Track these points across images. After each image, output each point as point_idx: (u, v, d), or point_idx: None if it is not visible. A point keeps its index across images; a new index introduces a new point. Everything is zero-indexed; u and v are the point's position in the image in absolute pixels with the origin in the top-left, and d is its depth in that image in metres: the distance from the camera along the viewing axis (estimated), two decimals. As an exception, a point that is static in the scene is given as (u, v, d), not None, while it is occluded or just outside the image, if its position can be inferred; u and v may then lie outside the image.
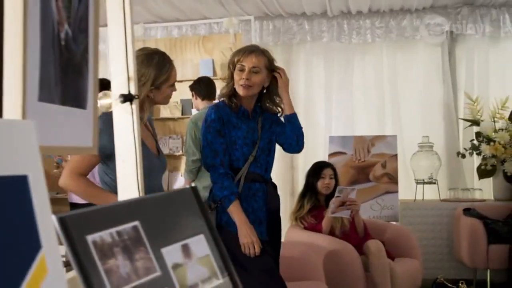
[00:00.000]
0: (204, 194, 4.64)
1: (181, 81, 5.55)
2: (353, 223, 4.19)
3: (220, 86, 5.60)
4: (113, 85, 1.94)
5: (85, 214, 1.04)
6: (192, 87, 4.89)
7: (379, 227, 4.49)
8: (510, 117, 5.69)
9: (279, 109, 2.87)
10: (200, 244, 1.27)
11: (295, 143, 2.85)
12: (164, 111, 5.77)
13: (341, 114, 6.27)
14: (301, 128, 2.87)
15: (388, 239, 4.35)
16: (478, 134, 5.71)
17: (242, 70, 2.71)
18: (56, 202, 5.51)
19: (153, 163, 2.58)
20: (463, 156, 5.81)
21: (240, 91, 2.72)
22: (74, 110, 1.44)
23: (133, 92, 1.91)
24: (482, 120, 5.71)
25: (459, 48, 6.22)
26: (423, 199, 5.67)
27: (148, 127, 2.69)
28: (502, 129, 5.59)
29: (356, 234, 4.17)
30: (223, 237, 2.73)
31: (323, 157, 5.72)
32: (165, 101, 2.66)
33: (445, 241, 5.42)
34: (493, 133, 5.57)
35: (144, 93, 2.51)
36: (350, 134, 5.99)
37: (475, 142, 5.69)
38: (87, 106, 1.53)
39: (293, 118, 2.84)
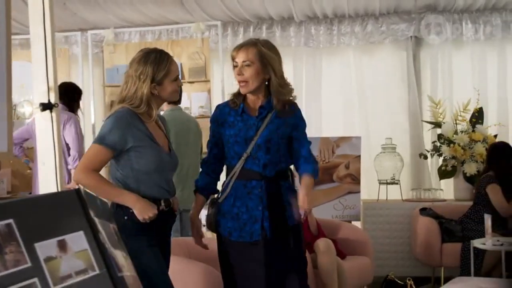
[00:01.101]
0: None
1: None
2: (307, 222, 4.34)
3: (187, 90, 5.80)
4: (34, 94, 2.11)
5: (-43, 213, 1.20)
6: None
7: (334, 226, 4.65)
8: (470, 119, 5.87)
9: (289, 106, 2.78)
10: (78, 240, 1.43)
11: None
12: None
13: (309, 116, 6.41)
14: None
15: (341, 238, 4.51)
16: (440, 136, 5.88)
17: (236, 66, 2.74)
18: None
19: (164, 160, 2.66)
20: (425, 157, 5.98)
21: (240, 89, 2.75)
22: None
23: (52, 101, 2.07)
24: (444, 123, 5.88)
25: (423, 52, 6.40)
26: (386, 199, 5.83)
27: (160, 125, 2.76)
28: (463, 131, 5.75)
29: (309, 233, 4.33)
30: (217, 237, 2.84)
31: (290, 158, 5.87)
32: (172, 96, 2.72)
33: (406, 239, 5.58)
34: (453, 135, 5.74)
35: (147, 90, 2.58)
36: (318, 136, 6.14)
37: (437, 143, 5.87)
38: None
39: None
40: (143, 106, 2.59)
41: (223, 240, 2.78)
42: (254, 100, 2.78)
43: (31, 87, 5.92)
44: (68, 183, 4.96)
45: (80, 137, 5.02)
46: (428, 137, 6.24)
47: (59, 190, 2.01)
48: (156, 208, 2.58)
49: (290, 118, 2.80)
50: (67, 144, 4.96)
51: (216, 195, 2.85)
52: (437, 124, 5.96)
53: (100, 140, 2.56)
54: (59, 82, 5.59)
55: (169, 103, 4.97)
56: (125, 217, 2.56)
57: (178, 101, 5.03)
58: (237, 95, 2.79)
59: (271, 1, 5.71)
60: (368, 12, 6.17)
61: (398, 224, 5.64)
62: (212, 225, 2.80)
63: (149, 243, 2.58)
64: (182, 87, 5.62)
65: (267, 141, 2.73)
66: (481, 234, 4.64)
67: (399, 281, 4.67)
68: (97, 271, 1.43)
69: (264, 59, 2.69)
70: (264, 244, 2.70)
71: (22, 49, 6.08)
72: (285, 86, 2.77)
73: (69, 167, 4.93)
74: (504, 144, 5.19)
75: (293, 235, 2.76)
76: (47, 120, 1.98)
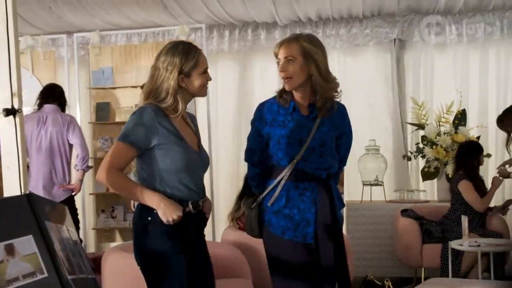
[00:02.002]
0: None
1: (135, 87, 5.74)
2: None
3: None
4: (-4, 100, 2.13)
5: None
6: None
7: (314, 228, 4.68)
8: (453, 121, 5.92)
9: (333, 104, 2.69)
10: (27, 244, 1.47)
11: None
12: (119, 116, 5.97)
13: (294, 117, 6.47)
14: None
15: (320, 239, 4.54)
16: (423, 138, 5.93)
17: (278, 63, 2.67)
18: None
19: (191, 158, 2.53)
20: (409, 158, 6.04)
21: (285, 85, 2.65)
22: None
23: (16, 106, 2.11)
24: (427, 124, 5.93)
25: (406, 55, 6.45)
26: (370, 200, 5.88)
27: (189, 122, 2.64)
28: (446, 133, 5.81)
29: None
30: (265, 238, 2.71)
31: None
32: (201, 91, 2.58)
33: (389, 240, 5.63)
34: (436, 137, 5.79)
35: (174, 81, 2.47)
36: (302, 137, 6.18)
37: (420, 145, 5.92)
38: None
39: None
40: (169, 99, 2.48)
41: (276, 239, 2.67)
42: (301, 97, 2.68)
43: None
44: (68, 183, 4.98)
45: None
46: (412, 138, 6.30)
47: (23, 193, 2.04)
48: (181, 209, 2.46)
49: (337, 119, 2.73)
50: (70, 145, 5.00)
51: (253, 198, 2.76)
52: (420, 126, 6.01)
53: (123, 137, 2.47)
54: (44, 84, 5.66)
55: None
56: (149, 218, 2.47)
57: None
58: (284, 91, 2.69)
59: (254, 6, 5.76)
60: (352, 15, 6.22)
61: (382, 225, 5.69)
62: (254, 229, 2.72)
63: (174, 249, 2.47)
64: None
65: (321, 145, 2.65)
66: (460, 235, 4.68)
67: (377, 282, 4.72)
68: (46, 274, 1.47)
69: (307, 53, 2.62)
70: (316, 247, 2.63)
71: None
72: (330, 81, 2.67)
73: (77, 167, 4.97)
74: (470, 143, 5.30)
75: (342, 237, 2.73)
76: (11, 125, 2.01)
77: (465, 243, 4.37)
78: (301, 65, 2.61)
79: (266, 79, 6.58)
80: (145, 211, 2.48)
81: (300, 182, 2.63)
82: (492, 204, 5.19)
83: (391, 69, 6.36)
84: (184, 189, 2.52)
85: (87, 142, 6.12)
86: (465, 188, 4.95)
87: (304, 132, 2.63)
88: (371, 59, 6.44)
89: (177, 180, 2.50)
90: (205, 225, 2.67)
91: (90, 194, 6.10)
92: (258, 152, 2.72)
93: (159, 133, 2.46)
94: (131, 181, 2.52)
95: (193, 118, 2.73)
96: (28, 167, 5.03)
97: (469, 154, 5.10)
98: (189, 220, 2.51)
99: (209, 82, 2.67)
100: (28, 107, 6.13)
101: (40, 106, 5.05)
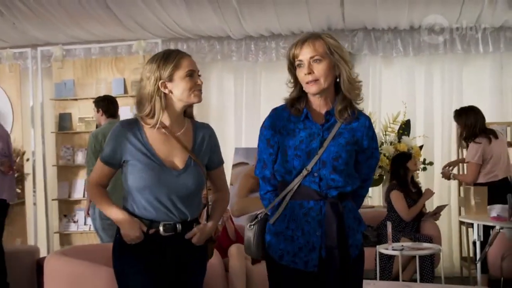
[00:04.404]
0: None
1: (95, 98, 6.02)
2: (225, 228, 4.70)
3: (130, 103, 6.12)
4: None
5: None
6: (98, 104, 5.35)
7: (253, 232, 4.98)
8: (398, 131, 6.24)
9: (355, 112, 2.35)
10: None
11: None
12: (80, 126, 6.26)
13: (249, 127, 6.78)
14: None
15: (259, 243, 4.84)
16: (369, 147, 6.24)
17: (301, 65, 2.31)
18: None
19: (161, 177, 2.38)
20: (355, 166, 6.35)
21: (309, 89, 2.30)
22: None
23: None
24: (372, 134, 6.23)
25: (356, 67, 6.75)
26: (319, 205, 6.16)
27: (179, 137, 2.47)
28: (390, 142, 6.13)
29: (228, 238, 4.68)
30: (266, 261, 2.42)
31: (229, 167, 6.21)
32: (188, 95, 2.41)
33: (335, 244, 5.92)
34: (381, 146, 6.10)
35: (150, 87, 2.38)
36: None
37: (367, 153, 6.22)
38: None
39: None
40: (147, 107, 2.39)
41: (273, 263, 2.37)
42: (320, 103, 2.35)
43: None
44: None
45: None
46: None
47: None
48: (139, 229, 2.37)
49: (359, 131, 2.35)
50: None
51: (257, 214, 2.42)
52: (367, 136, 6.31)
53: (100, 154, 2.48)
54: (12, 96, 5.93)
55: (108, 117, 5.28)
56: (117, 236, 2.44)
57: (116, 115, 5.35)
58: (297, 99, 2.36)
59: (205, 22, 6.08)
60: (302, 31, 6.54)
61: (328, 230, 5.97)
62: (253, 251, 2.39)
63: (133, 269, 2.39)
64: (126, 100, 5.97)
65: (335, 158, 2.29)
66: (394, 240, 5.00)
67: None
68: None
69: (334, 51, 2.29)
70: (320, 276, 2.31)
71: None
72: (355, 83, 2.34)
73: None
74: (398, 154, 5.65)
75: (354, 267, 2.35)
76: None
77: (389, 247, 4.69)
78: (329, 65, 2.28)
79: (223, 90, 6.91)
80: (118, 228, 2.44)
81: (305, 200, 2.30)
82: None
83: (342, 81, 6.65)
84: (152, 209, 2.39)
85: (50, 151, 6.45)
86: (395, 198, 5.28)
87: (314, 142, 2.30)
88: (323, 71, 6.74)
89: (144, 199, 2.39)
90: (194, 252, 2.48)
91: (53, 199, 6.39)
92: (270, 165, 2.38)
93: (126, 150, 2.40)
94: (104, 197, 2.48)
95: (201, 129, 2.57)
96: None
97: (397, 164, 5.43)
98: (158, 242, 2.40)
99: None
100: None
101: None
